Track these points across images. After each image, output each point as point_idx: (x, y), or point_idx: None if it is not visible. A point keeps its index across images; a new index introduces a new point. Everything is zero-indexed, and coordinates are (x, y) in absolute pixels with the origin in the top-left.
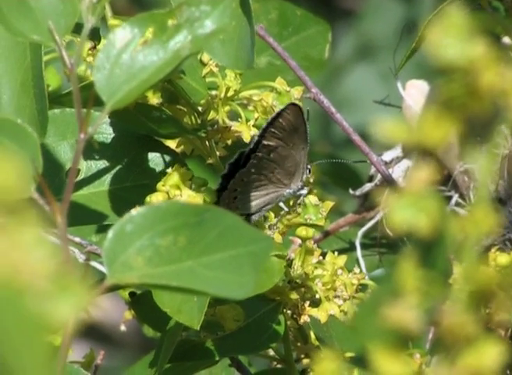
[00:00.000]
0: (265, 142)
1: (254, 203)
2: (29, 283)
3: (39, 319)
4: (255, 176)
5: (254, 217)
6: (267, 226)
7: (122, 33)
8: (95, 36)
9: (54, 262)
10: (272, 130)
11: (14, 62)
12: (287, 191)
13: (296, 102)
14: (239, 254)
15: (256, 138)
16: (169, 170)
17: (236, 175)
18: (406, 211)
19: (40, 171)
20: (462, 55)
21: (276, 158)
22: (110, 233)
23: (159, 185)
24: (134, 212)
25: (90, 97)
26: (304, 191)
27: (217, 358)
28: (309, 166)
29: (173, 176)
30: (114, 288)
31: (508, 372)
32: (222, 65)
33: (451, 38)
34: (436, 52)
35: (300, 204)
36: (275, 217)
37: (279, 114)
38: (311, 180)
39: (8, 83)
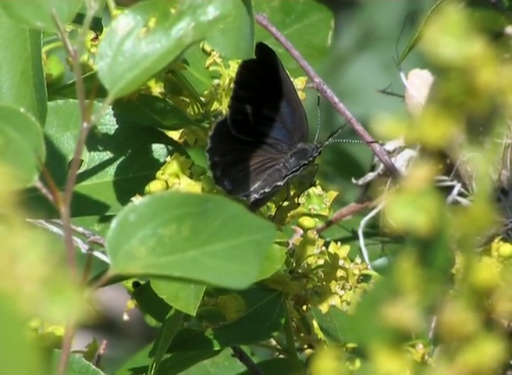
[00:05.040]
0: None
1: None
2: (20, 288)
3: (27, 325)
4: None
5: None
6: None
7: (124, 21)
8: (98, 27)
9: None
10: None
11: (15, 51)
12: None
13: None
14: (242, 243)
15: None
16: (168, 159)
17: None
18: (404, 209)
19: (43, 160)
20: (460, 54)
21: None
22: (113, 223)
23: (158, 173)
24: (137, 201)
25: (93, 87)
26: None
27: (218, 348)
28: None
29: (172, 165)
30: (117, 279)
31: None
32: (222, 54)
33: (449, 36)
34: (434, 51)
35: (303, 194)
36: (275, 207)
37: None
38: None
39: (9, 72)
